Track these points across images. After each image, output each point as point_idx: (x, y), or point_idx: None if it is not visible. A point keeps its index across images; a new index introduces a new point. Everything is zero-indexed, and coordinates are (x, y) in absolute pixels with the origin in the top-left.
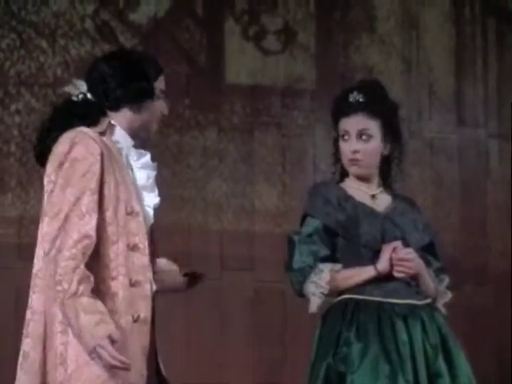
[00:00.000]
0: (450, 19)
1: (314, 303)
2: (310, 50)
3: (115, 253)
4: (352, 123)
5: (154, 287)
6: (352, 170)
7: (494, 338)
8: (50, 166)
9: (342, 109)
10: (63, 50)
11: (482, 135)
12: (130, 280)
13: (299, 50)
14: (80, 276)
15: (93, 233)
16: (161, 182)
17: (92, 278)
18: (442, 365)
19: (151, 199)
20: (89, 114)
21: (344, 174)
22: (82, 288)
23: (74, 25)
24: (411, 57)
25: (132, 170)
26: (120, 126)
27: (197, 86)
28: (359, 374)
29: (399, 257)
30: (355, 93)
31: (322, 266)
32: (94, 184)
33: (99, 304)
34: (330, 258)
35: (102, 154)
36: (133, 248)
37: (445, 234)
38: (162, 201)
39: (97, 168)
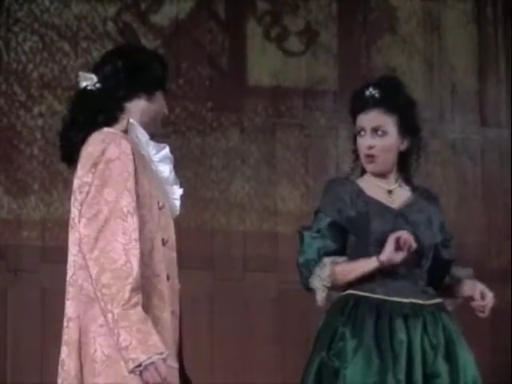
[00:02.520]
0: (472, 19)
1: (319, 296)
2: (332, 51)
3: (156, 249)
4: (367, 119)
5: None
6: (368, 167)
7: (504, 341)
8: (83, 168)
9: (358, 105)
10: (85, 52)
11: (504, 135)
12: (168, 275)
13: (321, 51)
14: (133, 285)
15: (138, 235)
16: (184, 184)
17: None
18: (440, 365)
19: (176, 191)
20: (108, 106)
21: (364, 170)
22: (135, 298)
23: (96, 27)
24: (433, 57)
25: (154, 164)
26: (135, 119)
27: (219, 88)
28: (350, 369)
29: (404, 237)
30: (371, 88)
31: (325, 259)
32: (131, 184)
33: (150, 321)
34: (339, 254)
35: (133, 153)
36: (166, 243)
37: (468, 234)
38: (185, 202)
39: (131, 167)
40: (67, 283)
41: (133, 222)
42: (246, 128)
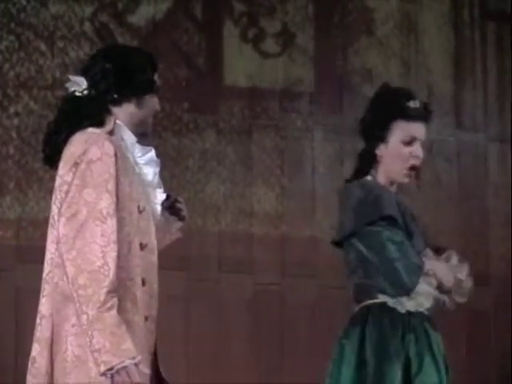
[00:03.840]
0: (449, 22)
1: (429, 302)
2: (309, 53)
3: (132, 253)
4: (421, 130)
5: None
6: (404, 180)
7: (494, 342)
8: (64, 167)
9: (408, 111)
10: (62, 52)
11: (480, 138)
12: (143, 279)
13: (298, 53)
14: (109, 288)
15: (116, 238)
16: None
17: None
18: None
19: (159, 195)
20: (95, 112)
21: (364, 173)
22: (110, 301)
23: (72, 27)
24: (410, 60)
25: (138, 166)
26: (122, 122)
27: (195, 89)
28: (424, 374)
29: None
30: (417, 100)
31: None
32: (111, 186)
33: (124, 326)
34: None
35: (116, 155)
36: (144, 247)
37: (444, 237)
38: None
39: (113, 169)
40: (43, 280)
41: (112, 225)
42: (222, 129)
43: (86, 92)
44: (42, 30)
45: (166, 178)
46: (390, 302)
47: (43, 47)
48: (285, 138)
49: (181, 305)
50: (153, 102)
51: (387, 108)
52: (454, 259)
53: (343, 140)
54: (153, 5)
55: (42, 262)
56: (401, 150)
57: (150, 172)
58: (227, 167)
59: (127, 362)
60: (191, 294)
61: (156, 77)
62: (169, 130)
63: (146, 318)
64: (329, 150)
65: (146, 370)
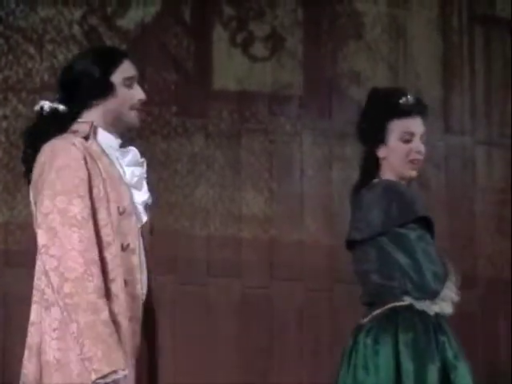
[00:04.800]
0: (437, 27)
1: (450, 308)
2: (298, 57)
3: (112, 254)
4: (417, 125)
5: (145, 288)
6: (412, 173)
7: (481, 344)
8: (34, 177)
9: (400, 108)
10: (51, 55)
11: (468, 143)
12: (125, 280)
13: (287, 57)
14: (97, 292)
15: (95, 241)
16: (148, 188)
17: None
18: None
19: (139, 196)
20: (62, 124)
21: (371, 177)
22: (99, 305)
23: (61, 30)
24: (398, 64)
25: (122, 168)
26: (98, 124)
27: (184, 93)
28: (463, 377)
29: None
30: (409, 96)
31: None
32: (83, 190)
33: (115, 334)
34: None
35: (84, 159)
36: (125, 248)
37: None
38: (150, 206)
39: (83, 173)
40: (34, 286)
41: (89, 229)
42: (211, 133)
43: (49, 110)
44: (30, 33)
45: (155, 181)
46: (417, 304)
47: (32, 50)
48: (274, 141)
49: (168, 309)
50: (122, 97)
51: (381, 109)
52: (452, 270)
53: (332, 144)
54: (142, 8)
55: (31, 267)
56: (401, 148)
57: (130, 173)
58: (216, 171)
59: (120, 373)
60: (179, 297)
61: (123, 70)
62: (157, 133)
63: (130, 319)
64: (317, 153)
65: (132, 371)
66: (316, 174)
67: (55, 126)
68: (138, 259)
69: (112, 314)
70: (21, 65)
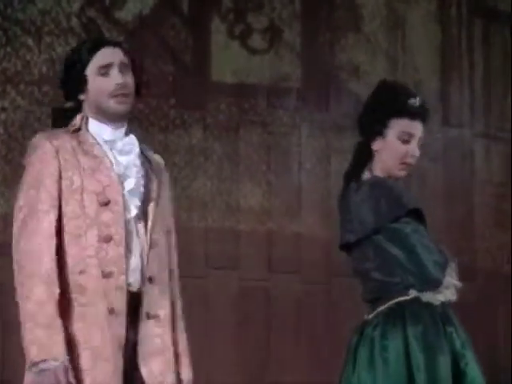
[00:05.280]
0: (436, 19)
1: (454, 294)
2: (296, 49)
3: (81, 246)
4: (418, 128)
5: (133, 278)
6: (402, 173)
7: (480, 336)
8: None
9: (405, 109)
10: (49, 47)
11: (466, 135)
12: (102, 272)
13: (285, 49)
14: (44, 283)
15: (53, 231)
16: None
17: (58, 284)
18: None
19: (127, 186)
20: (68, 119)
21: (361, 168)
22: (44, 296)
23: (59, 22)
24: (396, 56)
25: (115, 158)
26: (91, 116)
27: (182, 85)
28: (471, 367)
29: None
30: (418, 98)
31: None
32: (49, 182)
33: (57, 323)
34: None
35: (57, 152)
36: (105, 239)
37: (430, 233)
38: None
39: (53, 167)
40: None
41: (48, 221)
42: (209, 125)
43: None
44: (29, 25)
45: None
46: (423, 296)
47: (30, 42)
48: (272, 134)
49: None
50: (98, 85)
51: (387, 104)
52: (451, 257)
53: (330, 136)
54: (140, 0)
55: None
56: (398, 148)
57: (119, 163)
58: (214, 163)
59: (51, 363)
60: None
61: (98, 57)
62: (155, 125)
63: (111, 311)
64: (315, 146)
65: (120, 363)
66: (314, 166)
67: (62, 121)
68: (123, 249)
69: (80, 304)
70: (19, 57)
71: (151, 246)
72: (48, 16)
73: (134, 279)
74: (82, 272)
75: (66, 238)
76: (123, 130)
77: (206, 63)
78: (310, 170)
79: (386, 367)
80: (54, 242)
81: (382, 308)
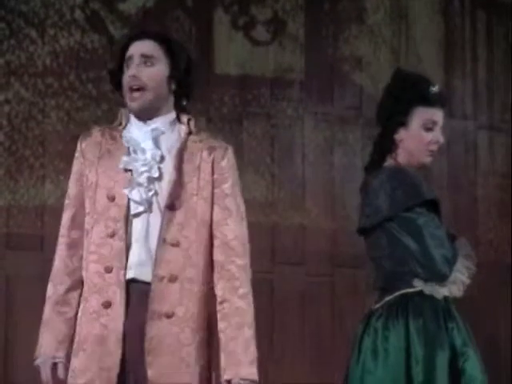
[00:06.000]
0: (440, 11)
1: (460, 290)
2: (300, 41)
3: (88, 242)
4: (440, 115)
5: (138, 274)
6: (428, 159)
7: (482, 328)
8: None
9: (427, 97)
10: (53, 39)
11: (470, 127)
12: (105, 266)
13: (288, 41)
14: (51, 281)
15: (66, 230)
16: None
17: (65, 280)
18: None
19: (136, 181)
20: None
21: (383, 158)
22: (49, 293)
23: (63, 15)
24: (400, 48)
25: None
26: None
27: None
28: (470, 364)
29: None
30: (436, 86)
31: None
32: (72, 180)
33: (51, 321)
34: None
35: (82, 151)
36: (111, 234)
37: None
38: None
39: (77, 165)
40: None
41: (65, 218)
42: (213, 117)
43: None
44: (32, 17)
45: None
46: (426, 290)
47: (34, 34)
48: (275, 125)
49: None
50: (124, 80)
51: (409, 93)
52: (467, 248)
53: (334, 128)
54: None
55: (31, 250)
56: (422, 136)
57: (135, 159)
58: None
59: (37, 360)
60: None
61: (130, 50)
62: None
63: (106, 305)
64: (319, 137)
65: (118, 354)
66: (318, 158)
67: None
68: (124, 245)
69: (84, 299)
70: (23, 49)
71: (170, 243)
72: (51, 8)
73: (141, 274)
74: (85, 268)
75: (82, 233)
76: (151, 126)
77: (210, 55)
78: (313, 161)
79: (387, 358)
80: (64, 239)
81: (387, 298)
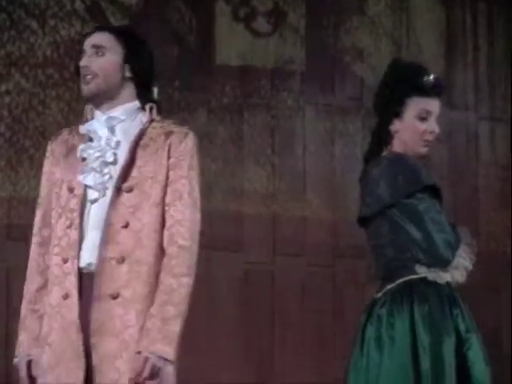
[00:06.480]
0: (440, 1)
1: (463, 276)
2: (300, 32)
3: (53, 236)
4: (436, 105)
5: (86, 260)
6: (424, 150)
7: (484, 319)
8: None
9: (423, 86)
10: (53, 30)
11: (471, 118)
12: (63, 258)
13: (289, 32)
14: (27, 279)
15: (37, 228)
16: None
17: (37, 279)
18: None
19: (90, 167)
20: None
21: (380, 149)
22: (24, 291)
23: (64, 5)
24: (401, 39)
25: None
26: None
27: (186, 67)
28: (473, 351)
29: None
30: (432, 75)
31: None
32: (43, 179)
33: (26, 319)
34: None
35: (51, 151)
36: (69, 225)
37: None
38: None
39: (47, 165)
40: None
41: (37, 218)
42: (214, 108)
43: None
44: (33, 8)
45: None
46: (430, 275)
47: (34, 25)
48: (276, 116)
49: None
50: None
51: (403, 83)
52: (468, 237)
53: (334, 119)
54: None
55: None
56: (417, 126)
57: (90, 146)
58: (218, 146)
59: (15, 360)
60: None
61: (83, 46)
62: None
63: (65, 296)
64: (320, 128)
65: (80, 343)
66: (318, 149)
67: None
68: (78, 234)
69: (47, 292)
70: (23, 40)
71: (120, 225)
72: None
73: (91, 260)
74: (51, 260)
75: (49, 229)
76: (109, 115)
77: (211, 46)
78: (314, 152)
79: (392, 345)
80: (36, 238)
81: (390, 286)
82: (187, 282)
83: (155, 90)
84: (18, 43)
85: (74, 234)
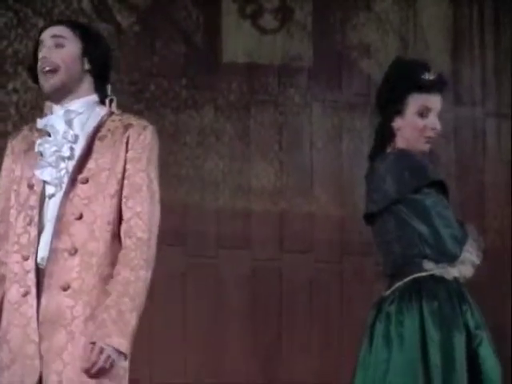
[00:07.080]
0: None
1: (470, 271)
2: (307, 28)
3: (12, 234)
4: (436, 101)
5: (42, 255)
6: (425, 146)
7: (490, 315)
8: None
9: (422, 83)
10: None
11: (478, 114)
12: (22, 255)
13: (296, 28)
14: None
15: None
16: (158, 162)
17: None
18: None
19: (46, 162)
20: None
21: (384, 146)
22: None
23: (70, 4)
24: (408, 35)
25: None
26: None
27: (193, 65)
28: (483, 347)
29: None
30: (432, 72)
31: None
32: (2, 177)
33: None
34: None
35: (11, 148)
36: (29, 223)
37: None
38: (158, 179)
39: (7, 162)
40: None
41: None
42: (221, 105)
43: None
44: (40, 6)
45: (164, 154)
46: (437, 271)
47: (41, 24)
48: (283, 113)
49: (178, 281)
50: (38, 65)
51: (403, 81)
52: (474, 233)
53: (342, 115)
54: None
55: None
56: (417, 122)
57: (47, 140)
58: (225, 143)
59: None
60: (189, 269)
61: (41, 38)
62: (167, 106)
63: (24, 294)
64: (327, 125)
65: (36, 338)
66: (326, 145)
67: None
68: (36, 230)
69: (5, 289)
70: (30, 38)
71: (74, 216)
72: None
73: (44, 255)
74: (11, 258)
75: (8, 227)
76: (66, 108)
77: (218, 43)
78: (321, 148)
79: (402, 342)
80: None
81: (398, 284)
82: (144, 275)
83: (109, 87)
84: (25, 41)
85: (33, 230)
